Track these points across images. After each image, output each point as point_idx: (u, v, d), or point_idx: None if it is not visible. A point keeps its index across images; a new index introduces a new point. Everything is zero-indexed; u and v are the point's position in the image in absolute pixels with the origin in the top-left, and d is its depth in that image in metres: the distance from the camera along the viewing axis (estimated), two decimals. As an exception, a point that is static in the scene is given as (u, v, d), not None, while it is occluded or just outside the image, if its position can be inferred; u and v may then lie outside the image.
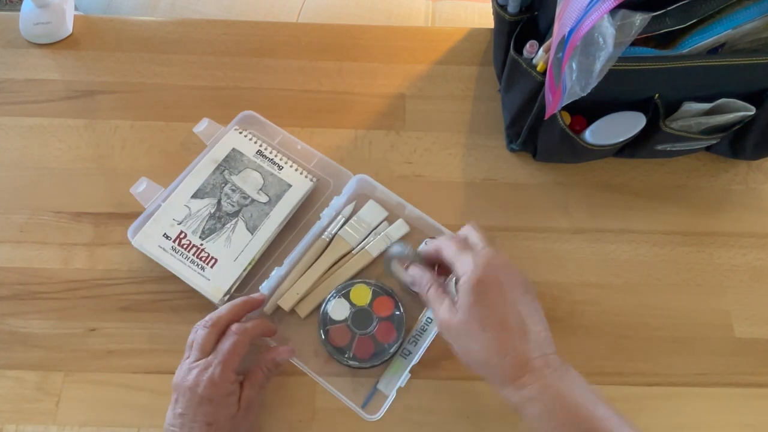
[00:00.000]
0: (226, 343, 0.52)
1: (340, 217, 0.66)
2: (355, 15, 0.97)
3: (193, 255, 0.62)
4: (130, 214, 0.65)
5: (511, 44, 0.62)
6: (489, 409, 0.59)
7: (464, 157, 0.71)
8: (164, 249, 0.62)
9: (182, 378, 0.51)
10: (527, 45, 0.60)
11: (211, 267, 0.62)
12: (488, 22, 0.73)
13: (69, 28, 0.77)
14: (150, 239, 0.63)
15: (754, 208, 0.69)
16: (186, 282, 0.61)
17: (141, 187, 0.65)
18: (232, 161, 0.67)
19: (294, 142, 0.69)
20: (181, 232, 0.63)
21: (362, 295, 0.61)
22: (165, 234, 0.63)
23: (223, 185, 0.65)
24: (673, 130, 0.60)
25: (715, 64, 0.54)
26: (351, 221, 0.66)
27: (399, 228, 0.66)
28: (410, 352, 0.60)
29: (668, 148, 0.64)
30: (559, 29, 0.50)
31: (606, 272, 0.65)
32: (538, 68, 0.59)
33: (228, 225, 0.64)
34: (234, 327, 0.53)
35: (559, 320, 0.63)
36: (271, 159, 0.68)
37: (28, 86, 0.74)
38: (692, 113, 0.60)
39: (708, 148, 0.69)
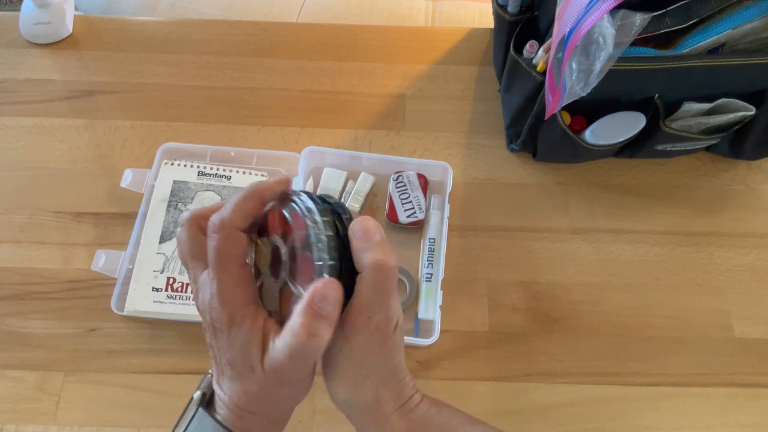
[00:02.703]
0: (209, 250, 0.35)
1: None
2: (355, 15, 0.97)
3: (192, 292, 0.61)
4: (130, 214, 0.65)
5: (511, 44, 0.62)
6: (489, 409, 0.59)
7: (464, 157, 0.71)
8: (161, 302, 0.61)
9: (196, 300, 0.37)
10: (527, 45, 0.60)
11: None
12: (488, 22, 0.73)
13: (69, 28, 0.77)
14: (141, 301, 0.61)
15: (754, 208, 0.69)
16: (199, 320, 0.59)
17: (101, 262, 0.62)
18: (180, 193, 0.66)
19: (226, 151, 0.69)
20: (168, 278, 0.62)
21: None
22: (153, 287, 0.61)
23: None
24: (673, 130, 0.60)
25: (715, 64, 0.54)
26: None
27: (365, 181, 0.67)
28: (431, 274, 0.62)
29: (668, 148, 0.64)
30: (559, 29, 0.50)
31: (606, 272, 0.65)
32: (538, 68, 0.59)
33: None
34: (210, 223, 0.35)
35: (559, 320, 0.63)
36: (215, 174, 0.67)
37: (28, 86, 0.74)
38: (692, 113, 0.60)
39: (708, 148, 0.69)
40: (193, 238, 0.36)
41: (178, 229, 0.36)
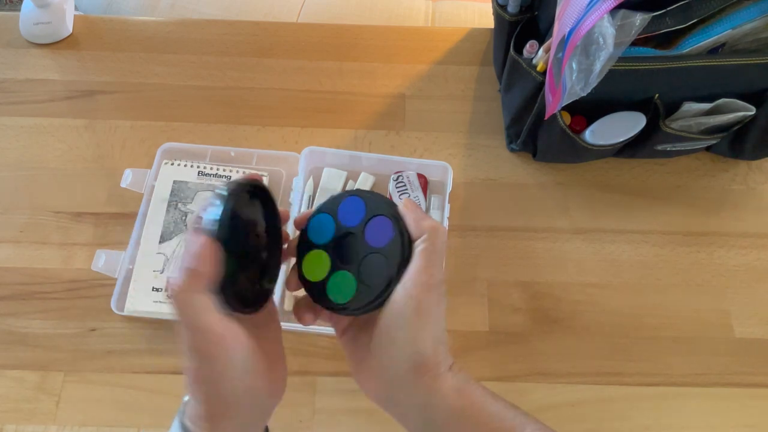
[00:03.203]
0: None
1: (305, 196, 0.66)
2: (355, 15, 0.97)
3: None
4: (130, 214, 0.65)
5: (511, 44, 0.62)
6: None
7: (464, 157, 0.71)
8: (160, 302, 0.61)
9: None
10: (527, 45, 0.60)
11: None
12: (488, 22, 0.73)
13: (69, 28, 0.77)
14: (140, 301, 0.61)
15: (754, 208, 0.69)
16: None
17: (101, 262, 0.62)
18: (180, 193, 0.66)
19: (226, 151, 0.69)
20: (169, 278, 0.61)
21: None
22: (153, 288, 0.61)
23: (184, 218, 0.65)
24: (673, 130, 0.60)
25: (715, 64, 0.54)
26: (317, 195, 0.66)
27: (365, 181, 0.67)
28: None
29: (668, 148, 0.64)
30: (559, 29, 0.50)
31: (606, 272, 0.65)
32: (538, 68, 0.59)
33: None
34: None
35: (559, 320, 0.63)
36: (216, 174, 0.67)
37: (28, 86, 0.74)
38: (692, 113, 0.60)
39: (708, 148, 0.69)
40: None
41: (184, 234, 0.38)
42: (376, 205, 0.39)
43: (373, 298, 0.37)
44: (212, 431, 0.36)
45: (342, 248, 0.40)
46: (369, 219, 0.39)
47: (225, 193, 0.35)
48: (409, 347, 0.37)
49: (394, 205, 0.39)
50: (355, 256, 0.39)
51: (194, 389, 0.36)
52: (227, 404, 0.36)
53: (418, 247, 0.37)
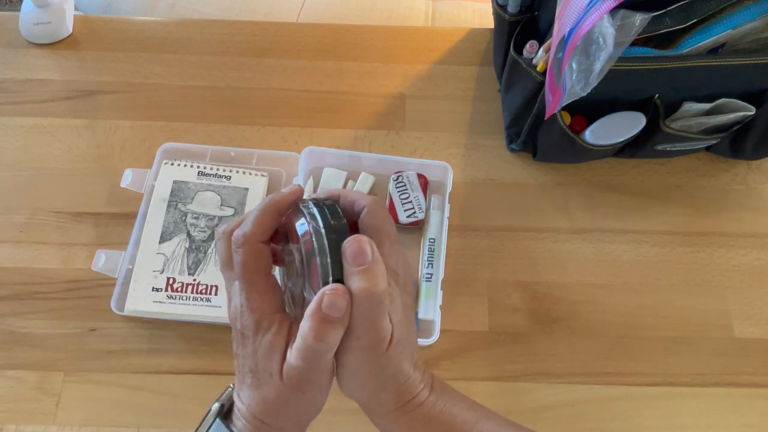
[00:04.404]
0: (235, 262, 0.37)
1: (304, 195, 0.66)
2: (355, 15, 0.97)
3: (192, 292, 0.61)
4: (130, 214, 0.65)
5: (511, 44, 0.62)
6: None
7: (464, 157, 0.71)
8: (160, 302, 0.61)
9: (228, 309, 0.39)
10: (527, 45, 0.60)
11: (215, 294, 0.61)
12: (488, 22, 0.73)
13: (69, 28, 0.77)
14: (141, 300, 0.61)
15: (754, 208, 0.69)
16: (199, 320, 0.60)
17: (101, 262, 0.62)
18: (180, 193, 0.66)
19: (226, 151, 0.69)
20: (168, 278, 0.62)
21: None
22: (153, 287, 0.61)
23: (184, 218, 0.64)
24: (673, 130, 0.60)
25: (715, 64, 0.54)
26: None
27: (365, 181, 0.67)
28: (431, 274, 0.62)
29: (668, 148, 0.64)
30: (559, 29, 0.50)
31: (606, 272, 0.65)
32: (538, 68, 0.59)
33: (210, 250, 0.63)
34: (233, 238, 0.37)
35: (559, 320, 0.63)
36: (216, 174, 0.67)
37: (28, 86, 0.74)
38: (692, 113, 0.60)
39: (708, 148, 0.69)
40: (226, 251, 0.37)
41: (223, 240, 0.38)
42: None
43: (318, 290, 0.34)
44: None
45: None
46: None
47: (331, 235, 0.34)
48: (349, 393, 0.38)
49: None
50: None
51: (254, 391, 0.37)
52: (280, 407, 0.37)
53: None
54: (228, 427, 0.37)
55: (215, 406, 0.38)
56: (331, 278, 0.33)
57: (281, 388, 0.36)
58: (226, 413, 0.38)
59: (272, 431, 0.37)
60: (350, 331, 0.34)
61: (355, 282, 0.33)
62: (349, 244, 0.34)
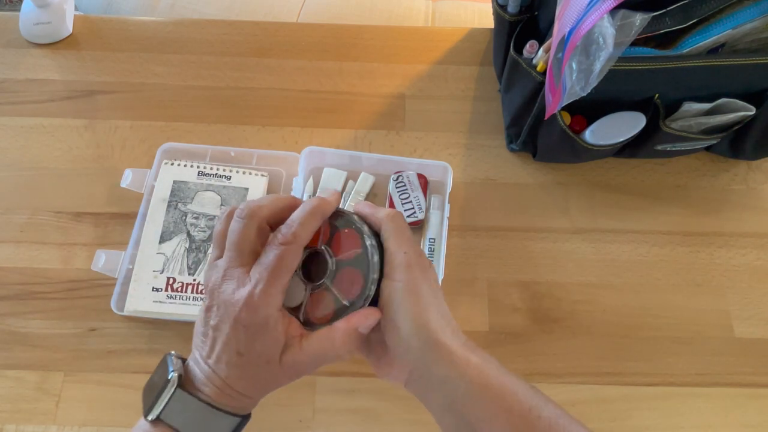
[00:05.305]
0: (270, 256, 0.37)
1: (305, 196, 0.66)
2: (355, 15, 0.97)
3: (192, 292, 0.61)
4: (130, 214, 0.65)
5: (511, 44, 0.62)
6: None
7: (464, 157, 0.71)
8: (160, 301, 0.61)
9: (216, 285, 0.38)
10: (527, 45, 0.60)
11: None
12: (488, 22, 0.73)
13: (69, 28, 0.77)
14: (140, 300, 0.61)
15: (754, 208, 0.69)
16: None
17: (101, 262, 0.62)
18: (180, 193, 0.66)
19: (226, 151, 0.69)
20: (168, 278, 0.62)
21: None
22: (153, 287, 0.61)
23: (184, 218, 0.64)
24: (673, 130, 0.60)
25: (715, 64, 0.54)
26: (317, 195, 0.66)
27: (365, 181, 0.67)
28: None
29: (668, 148, 0.64)
30: (559, 29, 0.50)
31: (606, 272, 0.65)
32: (538, 68, 0.59)
33: (210, 250, 0.63)
34: (281, 234, 0.37)
35: (559, 320, 0.63)
36: (216, 174, 0.67)
37: (28, 86, 0.74)
38: (692, 113, 0.60)
39: (708, 148, 0.69)
40: (248, 235, 0.38)
41: (223, 217, 0.40)
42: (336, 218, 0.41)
43: (356, 299, 0.39)
44: (229, 399, 0.38)
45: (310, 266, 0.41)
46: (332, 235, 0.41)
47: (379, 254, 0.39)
48: (412, 325, 0.38)
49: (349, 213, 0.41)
50: (324, 271, 0.40)
51: (237, 369, 0.38)
52: (268, 387, 0.39)
53: (383, 236, 0.40)
54: (195, 395, 0.37)
55: (173, 376, 0.38)
56: (373, 287, 0.38)
57: (279, 373, 0.38)
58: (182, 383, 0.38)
59: (245, 399, 0.38)
60: (395, 253, 0.39)
61: (381, 212, 0.40)
62: (359, 204, 0.42)
